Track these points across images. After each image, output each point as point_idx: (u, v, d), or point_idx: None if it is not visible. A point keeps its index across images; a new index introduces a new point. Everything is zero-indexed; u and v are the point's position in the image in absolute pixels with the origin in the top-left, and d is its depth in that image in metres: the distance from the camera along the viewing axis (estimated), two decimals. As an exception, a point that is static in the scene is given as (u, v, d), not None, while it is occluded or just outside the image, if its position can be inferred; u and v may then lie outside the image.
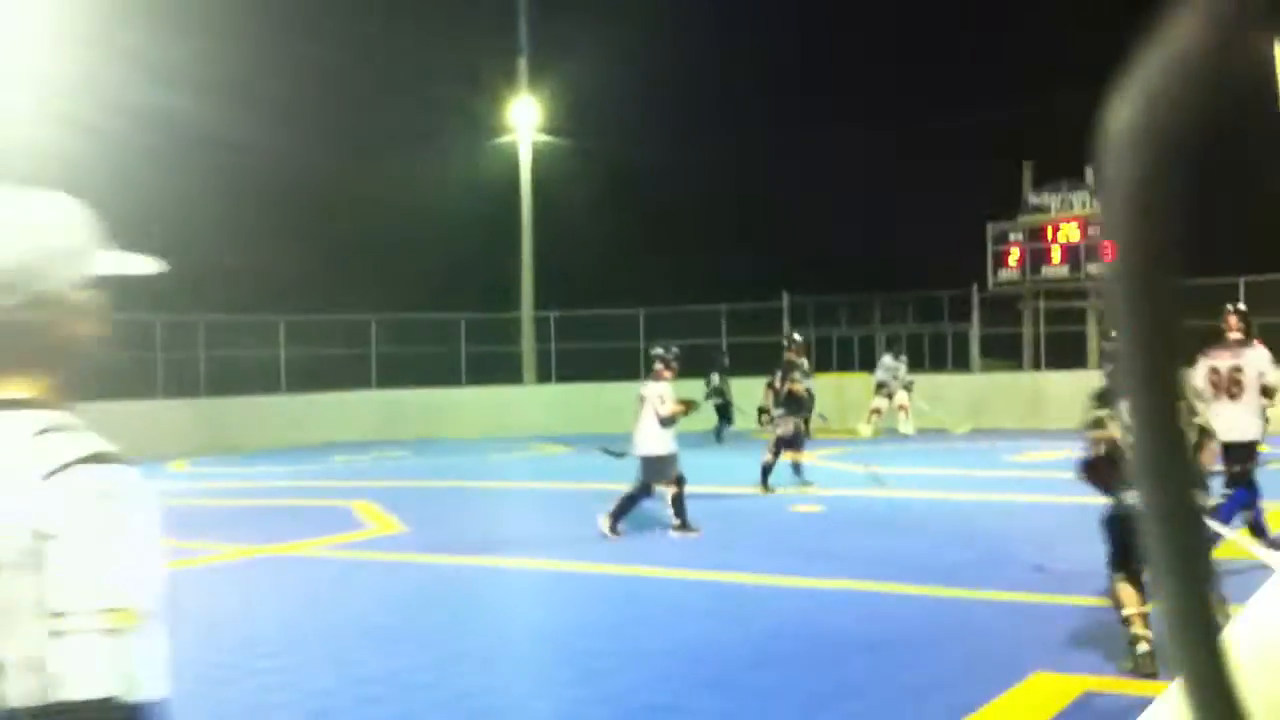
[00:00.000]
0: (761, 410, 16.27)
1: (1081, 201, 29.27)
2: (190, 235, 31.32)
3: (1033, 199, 29.86)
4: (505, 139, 33.71)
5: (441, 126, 35.81)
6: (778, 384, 15.65)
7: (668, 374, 12.31)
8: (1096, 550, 10.50)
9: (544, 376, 32.04)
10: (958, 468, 18.20)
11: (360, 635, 8.04)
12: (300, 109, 34.81)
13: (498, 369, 31.75)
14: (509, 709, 6.29)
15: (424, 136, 36.21)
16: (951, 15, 45.93)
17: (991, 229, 29.91)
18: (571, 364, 30.85)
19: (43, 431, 1.68)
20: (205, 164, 31.92)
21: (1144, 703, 1.46)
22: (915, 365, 26.67)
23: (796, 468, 15.29)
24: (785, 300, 31.16)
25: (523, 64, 33.33)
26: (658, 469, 11.79)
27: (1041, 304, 30.08)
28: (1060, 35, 37.73)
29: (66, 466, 1.64)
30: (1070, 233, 29.08)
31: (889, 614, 8.31)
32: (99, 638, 1.58)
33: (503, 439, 26.48)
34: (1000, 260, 29.76)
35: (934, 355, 29.91)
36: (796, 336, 17.44)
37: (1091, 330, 29.53)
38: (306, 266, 33.24)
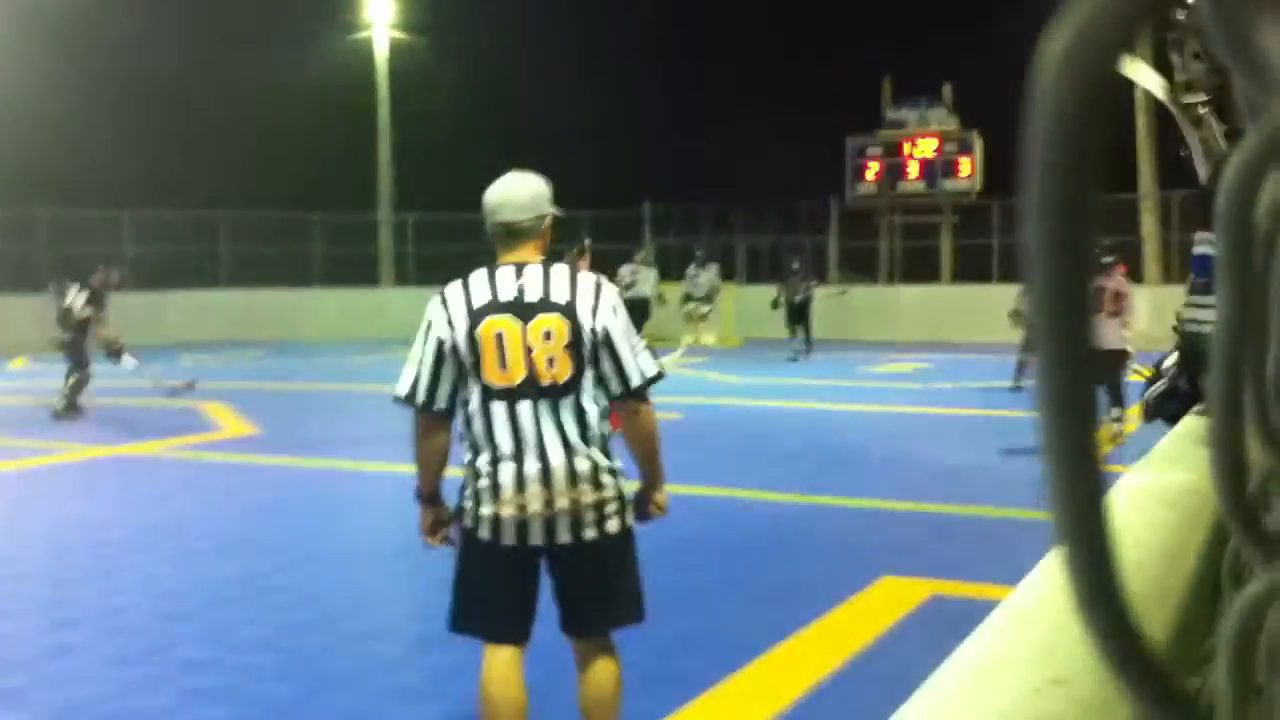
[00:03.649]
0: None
1: (938, 119, 29.68)
2: (31, 127, 30.03)
3: (891, 114, 30.18)
4: (362, 34, 32.87)
5: (297, 18, 34.72)
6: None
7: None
8: (947, 458, 10.85)
9: (402, 280, 31.64)
10: (811, 378, 18.51)
11: (211, 537, 7.91)
12: (151, -1, 33.41)
13: (355, 271, 31.23)
14: (365, 610, 6.26)
15: (278, 28, 35.08)
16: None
17: (850, 143, 30.17)
18: (430, 268, 30.48)
19: (571, 271, 3.79)
20: (50, 53, 30.51)
21: (990, 605, 1.50)
22: (775, 275, 26.60)
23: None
24: (646, 208, 31.16)
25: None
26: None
27: (898, 219, 30.55)
28: (924, -49, 38.00)
29: (600, 284, 3.75)
30: (926, 148, 29.50)
31: (741, 519, 8.47)
32: (647, 352, 3.78)
33: (360, 342, 26.12)
34: (858, 174, 30.10)
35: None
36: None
37: (945, 246, 30.13)
38: (154, 162, 32.12)
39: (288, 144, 35.37)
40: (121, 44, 32.05)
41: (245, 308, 28.16)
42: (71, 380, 14.07)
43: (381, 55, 32.41)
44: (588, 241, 13.11)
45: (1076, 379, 0.38)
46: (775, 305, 22.74)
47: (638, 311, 23.06)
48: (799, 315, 22.53)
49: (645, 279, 22.97)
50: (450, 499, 3.90)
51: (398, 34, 32.80)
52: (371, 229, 32.31)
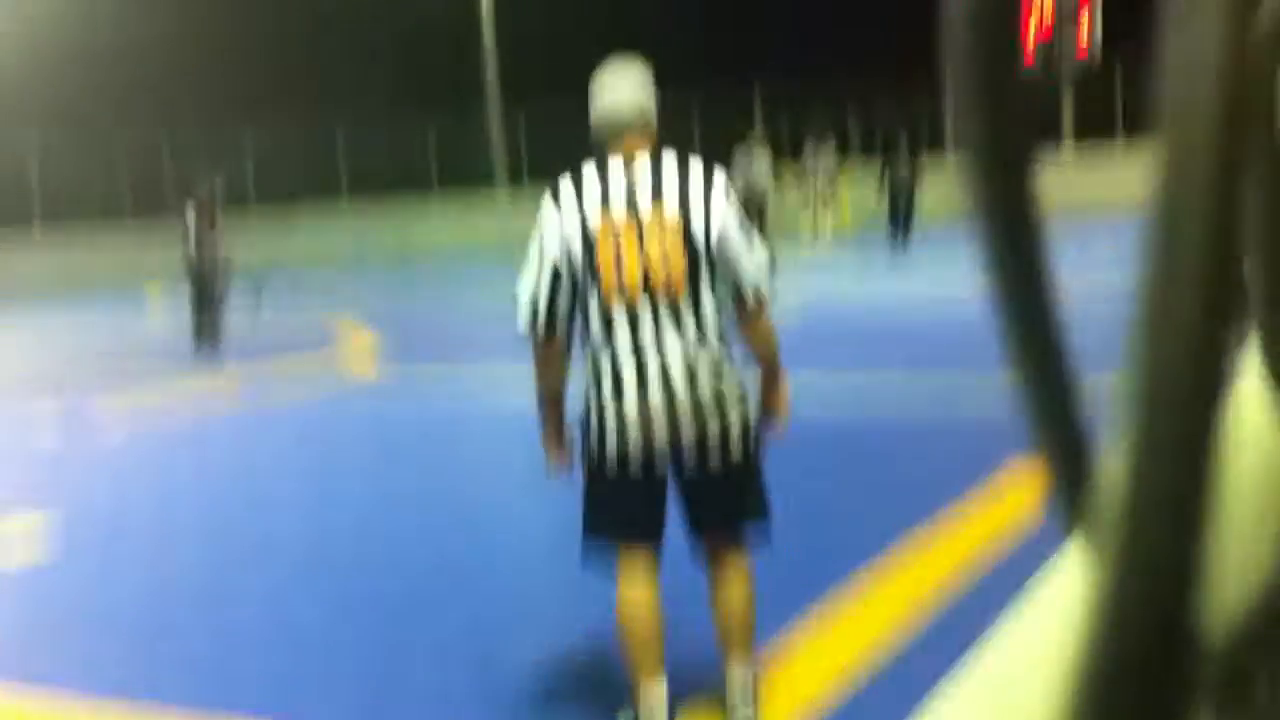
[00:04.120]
0: None
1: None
2: (148, 46, 30.42)
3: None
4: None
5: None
6: None
7: None
8: (1076, 329, 10.58)
9: (516, 176, 31.57)
10: (932, 261, 18.18)
11: (353, 459, 8.09)
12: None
13: (470, 170, 31.24)
14: (507, 519, 6.37)
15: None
16: None
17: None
18: (545, 161, 30.37)
19: (681, 158, 3.68)
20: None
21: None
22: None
23: None
24: (757, 89, 30.69)
25: None
26: None
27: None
28: None
29: (710, 171, 3.68)
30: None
31: (866, 404, 8.41)
32: (761, 244, 3.75)
33: (480, 246, 26.23)
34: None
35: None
36: None
37: (1065, 106, 29.14)
38: (262, 79, 32.32)
39: (392, 50, 35.26)
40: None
41: (367, 220, 28.34)
42: (203, 307, 13.65)
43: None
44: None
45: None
46: (882, 189, 21.39)
47: (755, 201, 22.56)
48: (902, 198, 20.55)
49: (760, 167, 22.29)
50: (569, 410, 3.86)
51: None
52: (481, 130, 32.22)
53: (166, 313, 16.72)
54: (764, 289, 3.70)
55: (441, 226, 28.70)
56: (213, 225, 13.56)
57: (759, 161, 22.05)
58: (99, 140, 26.76)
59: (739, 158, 22.04)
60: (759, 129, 25.72)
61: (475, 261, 22.42)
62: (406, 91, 32.44)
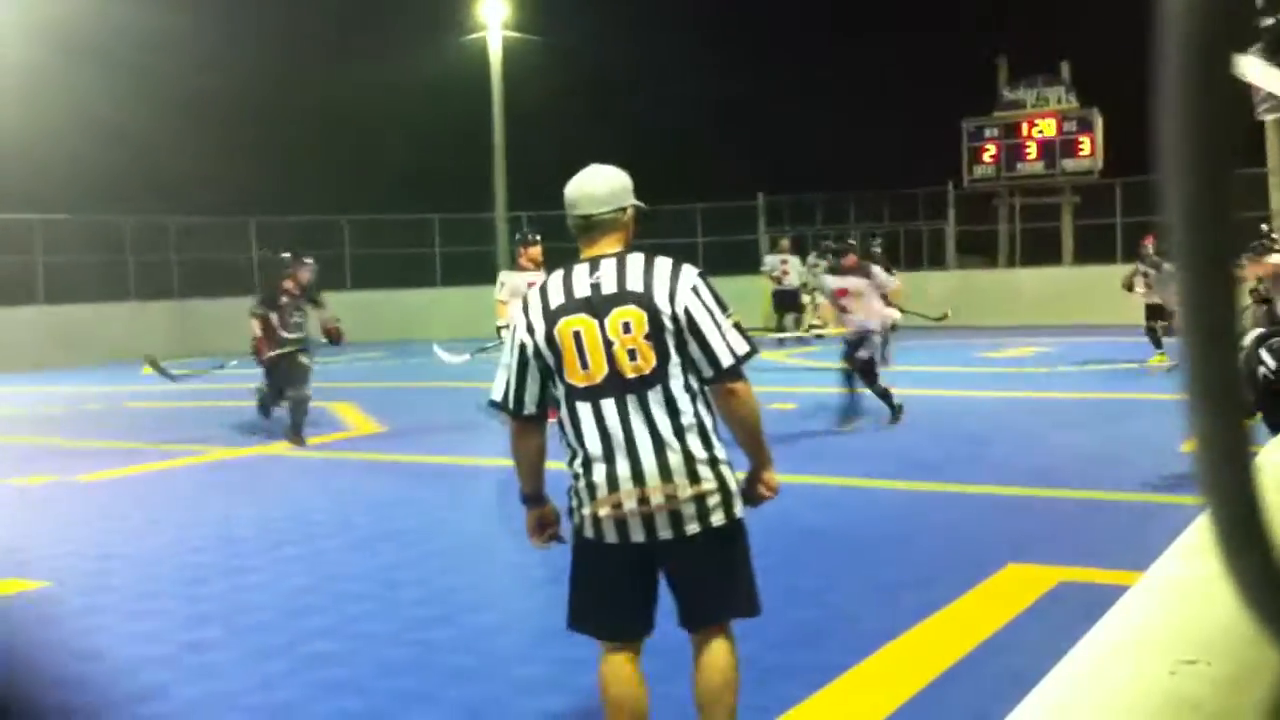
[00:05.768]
0: None
1: (1057, 97, 29.09)
2: (161, 141, 30.93)
3: (1008, 95, 29.62)
4: (475, 35, 33.15)
5: (409, 22, 35.24)
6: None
7: None
8: (1071, 443, 10.63)
9: (520, 277, 31.81)
10: (932, 365, 18.27)
11: (339, 534, 8.06)
12: (263, 13, 34.17)
13: (472, 270, 31.57)
14: (489, 603, 6.33)
15: (391, 33, 35.68)
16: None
17: (966, 126, 29.68)
18: (548, 264, 30.66)
19: (648, 257, 3.69)
20: (171, 73, 31.44)
21: (1119, 591, 1.46)
22: (893, 262, 26.29)
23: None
24: (760, 200, 30.99)
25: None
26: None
27: (1017, 201, 29.99)
28: (1038, -73, 37.16)
29: (678, 266, 3.68)
30: (1045, 128, 28.91)
31: (863, 509, 8.39)
32: (736, 330, 3.64)
33: (480, 339, 26.38)
34: (975, 157, 29.60)
35: (910, 252, 29.74)
36: None
37: (1066, 227, 29.53)
38: (276, 170, 32.85)
39: (404, 146, 35.88)
40: (237, 57, 32.80)
41: (368, 308, 28.63)
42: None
43: (495, 55, 32.60)
44: (532, 236, 12.29)
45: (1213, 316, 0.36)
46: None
47: (790, 302, 23.56)
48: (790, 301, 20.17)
49: (794, 269, 23.81)
50: (557, 497, 3.94)
51: (510, 34, 33.00)
52: (489, 228, 32.61)
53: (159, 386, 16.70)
54: (738, 366, 3.65)
55: (444, 318, 28.87)
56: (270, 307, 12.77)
57: (790, 264, 23.78)
58: (107, 227, 27.09)
59: (769, 260, 23.83)
60: (787, 237, 25.93)
61: (475, 350, 22.43)
62: (415, 187, 32.89)
